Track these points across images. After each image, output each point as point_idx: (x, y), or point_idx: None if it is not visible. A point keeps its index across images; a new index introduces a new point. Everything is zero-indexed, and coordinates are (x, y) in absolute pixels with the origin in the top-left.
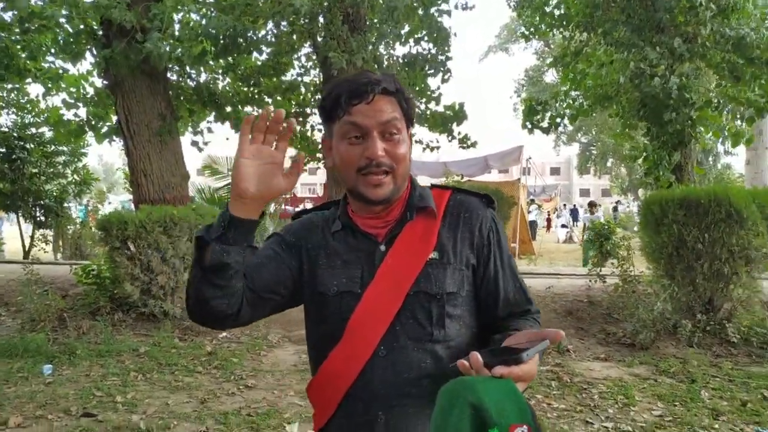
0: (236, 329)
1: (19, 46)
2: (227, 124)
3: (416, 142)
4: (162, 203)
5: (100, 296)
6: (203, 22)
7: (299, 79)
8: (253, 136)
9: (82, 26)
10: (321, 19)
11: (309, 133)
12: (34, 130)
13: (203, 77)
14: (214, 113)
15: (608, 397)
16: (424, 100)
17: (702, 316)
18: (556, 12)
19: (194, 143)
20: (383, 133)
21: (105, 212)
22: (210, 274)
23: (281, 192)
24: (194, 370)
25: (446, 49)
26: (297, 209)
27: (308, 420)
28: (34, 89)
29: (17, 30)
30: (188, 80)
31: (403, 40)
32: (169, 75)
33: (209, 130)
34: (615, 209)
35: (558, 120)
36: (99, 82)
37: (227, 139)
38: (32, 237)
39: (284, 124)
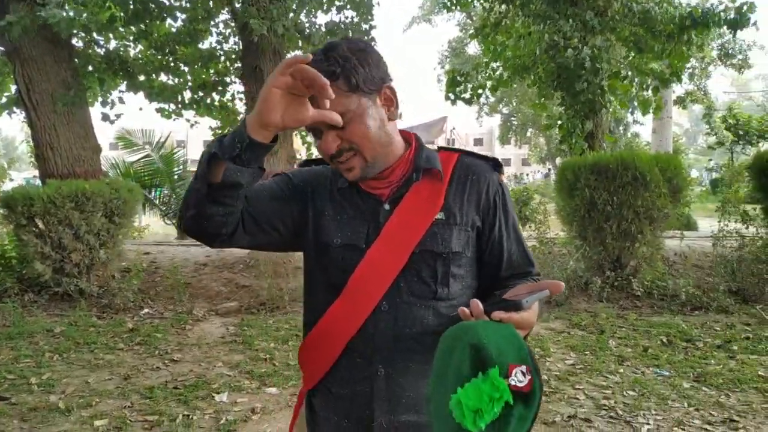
0: (159, 305)
1: None
2: (140, 94)
3: None
4: (72, 178)
5: (6, 277)
6: None
7: (218, 47)
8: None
9: None
10: None
11: (230, 104)
12: None
13: (113, 44)
14: (126, 82)
15: None
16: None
17: (611, 272)
18: None
19: (105, 116)
20: (332, 126)
21: (6, 190)
22: (217, 191)
23: (305, 123)
24: (115, 348)
25: (369, 17)
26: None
27: (238, 389)
28: None
29: None
30: (96, 47)
31: (325, 8)
32: (75, 41)
33: (120, 100)
34: (547, 176)
35: (480, 91)
36: None
37: (140, 109)
38: None
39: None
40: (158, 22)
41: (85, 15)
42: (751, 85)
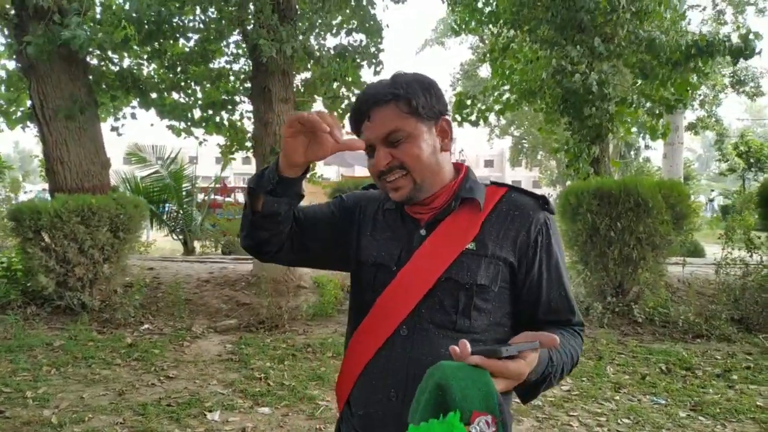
0: (159, 321)
1: None
2: (152, 110)
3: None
4: (80, 192)
5: (10, 289)
6: (126, 6)
7: (228, 66)
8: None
9: None
10: (251, 7)
11: (238, 122)
12: None
13: (126, 62)
14: (138, 100)
15: None
16: (357, 91)
17: (612, 298)
18: (486, 9)
19: (114, 128)
20: (389, 142)
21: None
22: (260, 219)
23: (326, 156)
24: (112, 363)
25: (378, 40)
26: (226, 198)
27: (230, 408)
28: None
29: None
30: (110, 65)
31: (334, 30)
32: (89, 59)
33: (133, 116)
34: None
35: (487, 114)
36: (10, 64)
37: (152, 125)
38: None
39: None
40: (171, 42)
41: (100, 34)
42: (766, 112)
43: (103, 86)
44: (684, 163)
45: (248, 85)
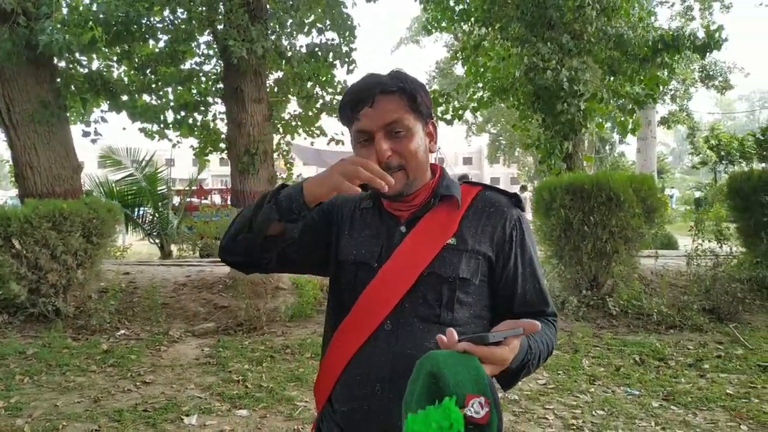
0: (136, 326)
1: None
2: (124, 113)
3: (321, 134)
4: (52, 197)
5: None
6: (93, 7)
7: (198, 68)
8: None
9: None
10: (221, 7)
11: (212, 123)
12: None
13: (95, 64)
14: (108, 102)
15: None
16: (330, 90)
17: (587, 291)
18: (458, 7)
19: (86, 134)
20: (389, 133)
21: None
22: (272, 242)
23: (350, 193)
24: (87, 370)
25: (351, 39)
26: (203, 200)
27: (208, 411)
28: None
29: None
30: (78, 67)
31: (306, 29)
32: (56, 61)
33: (103, 119)
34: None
35: (461, 112)
36: None
37: (124, 129)
38: None
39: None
40: (141, 43)
41: (68, 36)
42: (735, 106)
43: (72, 89)
44: (658, 157)
45: (221, 85)
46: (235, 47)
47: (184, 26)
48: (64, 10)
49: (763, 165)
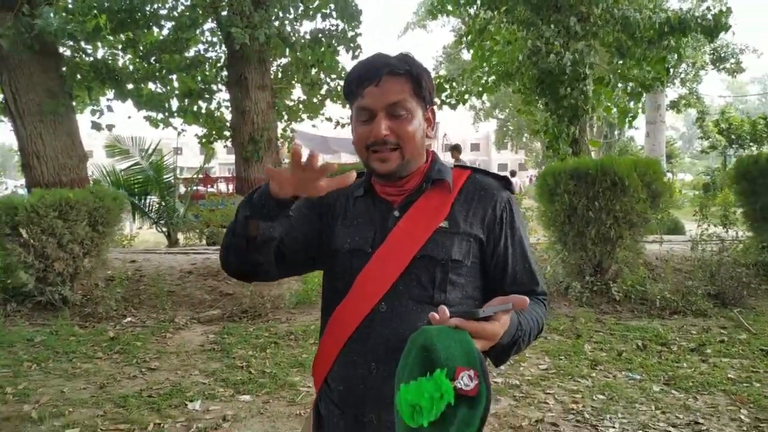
0: (142, 313)
1: None
2: (129, 101)
3: (326, 119)
4: (58, 186)
5: None
6: None
7: (204, 54)
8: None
9: None
10: None
11: (216, 112)
12: None
13: (100, 53)
14: (114, 91)
15: None
16: (333, 76)
17: (591, 277)
18: None
19: (95, 125)
20: (390, 113)
21: None
22: (254, 245)
23: (318, 194)
24: (94, 357)
25: (355, 24)
26: (209, 189)
27: (211, 397)
28: None
29: None
30: (84, 56)
31: (310, 15)
32: (62, 50)
33: (109, 108)
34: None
35: (465, 96)
36: None
37: (129, 117)
38: None
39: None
40: (145, 31)
41: (72, 24)
42: (748, 88)
43: (78, 77)
44: (667, 141)
45: (225, 73)
46: (237, 34)
47: (188, 13)
48: None
49: None
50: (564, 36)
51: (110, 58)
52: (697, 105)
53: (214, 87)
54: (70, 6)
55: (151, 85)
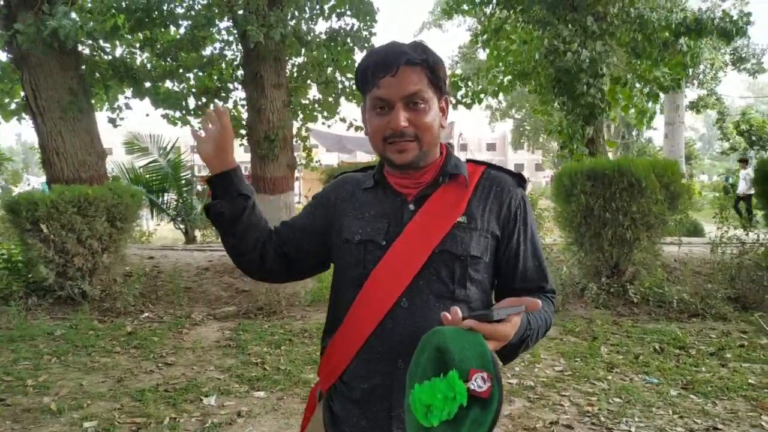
0: (159, 309)
1: None
2: (147, 99)
3: (341, 120)
4: (77, 182)
5: (12, 281)
6: None
7: (220, 53)
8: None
9: None
10: None
11: (233, 110)
12: None
13: (119, 51)
14: (131, 89)
15: None
16: (350, 76)
17: (607, 279)
18: None
19: (111, 120)
20: (408, 104)
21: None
22: (220, 228)
23: (227, 141)
24: (112, 351)
25: (371, 24)
26: None
27: (226, 392)
28: None
29: None
30: (102, 54)
31: (326, 14)
32: (81, 49)
33: (127, 106)
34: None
35: (481, 96)
36: (3, 55)
37: (147, 115)
38: None
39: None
40: (162, 30)
41: (91, 23)
42: None
43: (96, 76)
44: (686, 142)
45: (241, 71)
46: (252, 32)
47: (204, 12)
48: None
49: None
50: (581, 35)
51: (128, 56)
52: (716, 106)
53: (230, 86)
54: (89, 5)
55: (168, 84)
